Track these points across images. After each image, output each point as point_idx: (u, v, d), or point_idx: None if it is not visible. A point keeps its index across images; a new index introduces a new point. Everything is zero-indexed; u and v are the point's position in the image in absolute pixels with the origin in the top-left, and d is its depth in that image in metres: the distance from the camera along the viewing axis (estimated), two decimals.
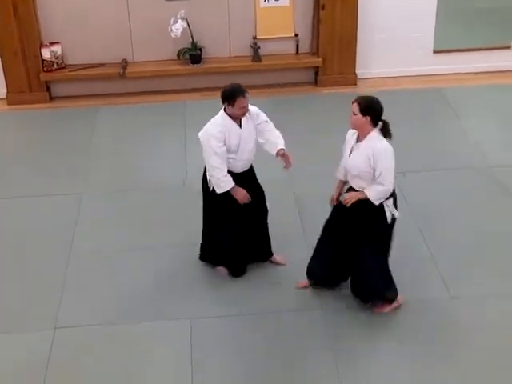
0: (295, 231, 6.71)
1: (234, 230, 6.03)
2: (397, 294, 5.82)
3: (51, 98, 9.30)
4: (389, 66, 9.43)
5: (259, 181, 6.10)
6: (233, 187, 5.77)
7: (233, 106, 5.63)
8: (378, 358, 5.42)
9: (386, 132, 5.44)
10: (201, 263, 6.31)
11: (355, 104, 5.38)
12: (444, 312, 5.80)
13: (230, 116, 5.71)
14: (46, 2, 8.89)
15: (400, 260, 6.30)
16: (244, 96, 5.62)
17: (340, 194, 5.74)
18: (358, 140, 5.51)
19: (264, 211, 6.16)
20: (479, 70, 9.55)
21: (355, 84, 9.40)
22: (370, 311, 5.80)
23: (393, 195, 5.54)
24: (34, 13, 8.83)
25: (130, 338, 5.64)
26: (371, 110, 5.36)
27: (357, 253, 5.68)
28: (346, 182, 5.75)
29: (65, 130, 8.58)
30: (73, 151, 8.13)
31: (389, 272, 5.77)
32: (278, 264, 6.34)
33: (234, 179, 5.78)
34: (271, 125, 5.95)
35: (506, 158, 7.74)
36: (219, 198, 5.88)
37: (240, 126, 5.76)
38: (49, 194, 7.38)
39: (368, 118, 5.35)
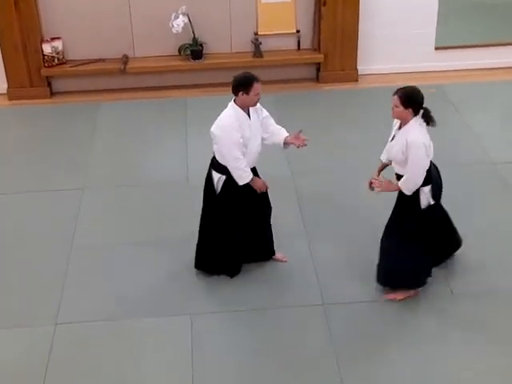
0: (296, 227, 6.70)
1: (240, 231, 6.00)
2: (419, 287, 5.84)
3: (52, 94, 9.29)
4: (390, 62, 9.41)
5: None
6: (253, 177, 5.78)
7: (248, 93, 5.56)
8: (380, 355, 5.41)
9: (428, 119, 5.51)
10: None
11: (396, 97, 5.45)
12: (446, 309, 5.79)
13: (240, 107, 5.65)
14: None
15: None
16: (258, 81, 5.59)
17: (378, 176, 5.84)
18: (400, 127, 5.59)
19: (268, 207, 6.13)
20: (481, 67, 9.53)
21: (357, 80, 9.39)
22: (371, 307, 5.79)
23: (431, 183, 5.56)
24: (35, 8, 8.81)
25: (131, 334, 5.64)
26: (413, 101, 5.44)
27: (386, 236, 5.76)
28: (387, 165, 5.86)
29: (65, 126, 8.57)
30: (73, 147, 8.13)
31: (418, 261, 5.73)
32: (279, 261, 6.32)
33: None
34: (272, 120, 5.94)
35: (508, 154, 7.73)
36: (227, 200, 5.84)
37: (249, 117, 5.72)
38: (49, 190, 7.38)
39: (410, 109, 5.43)
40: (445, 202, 6.94)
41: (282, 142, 5.91)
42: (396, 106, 5.45)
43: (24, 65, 9.02)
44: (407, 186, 5.51)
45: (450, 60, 9.51)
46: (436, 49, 9.49)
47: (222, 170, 5.78)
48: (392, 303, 5.83)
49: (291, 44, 9.34)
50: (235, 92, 5.61)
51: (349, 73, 9.36)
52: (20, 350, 5.52)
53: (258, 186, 5.83)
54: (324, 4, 8.94)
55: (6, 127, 8.67)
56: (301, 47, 9.34)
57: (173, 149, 8.02)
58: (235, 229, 5.98)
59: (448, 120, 8.41)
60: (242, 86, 5.57)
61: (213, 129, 5.67)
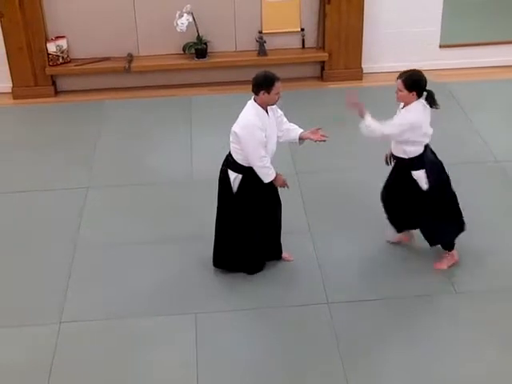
0: (300, 226, 6.70)
1: (258, 229, 6.00)
2: (451, 243, 6.10)
3: (56, 92, 9.29)
4: (395, 60, 9.38)
5: None
6: (276, 174, 5.82)
7: (269, 92, 5.55)
8: (384, 354, 5.41)
9: (431, 101, 5.70)
10: (207, 257, 6.26)
11: (400, 81, 5.65)
12: (449, 308, 5.78)
13: (261, 106, 5.64)
14: None
15: (403, 255, 6.31)
16: (279, 80, 5.60)
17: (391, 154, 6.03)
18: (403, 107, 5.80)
19: (280, 204, 6.13)
20: (486, 65, 9.51)
21: (361, 79, 9.38)
22: (376, 306, 5.79)
23: (424, 167, 5.76)
24: (40, 7, 8.81)
25: (136, 332, 5.64)
26: (417, 85, 5.65)
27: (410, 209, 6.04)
28: None
29: (70, 124, 8.58)
30: (78, 145, 8.13)
31: (442, 223, 5.96)
32: (286, 260, 6.32)
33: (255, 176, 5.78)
34: (285, 118, 5.98)
35: None
36: (245, 198, 5.84)
37: (267, 115, 5.73)
38: (54, 189, 7.39)
39: (414, 93, 5.64)
40: None
41: (298, 138, 5.93)
42: (400, 90, 5.65)
43: (29, 64, 9.03)
44: (365, 128, 5.80)
45: (455, 58, 9.49)
46: (441, 47, 9.47)
47: (239, 169, 5.77)
48: (397, 301, 5.83)
49: (296, 42, 9.33)
50: (256, 91, 5.59)
51: (353, 71, 9.35)
52: (24, 348, 5.53)
53: (279, 183, 5.87)
54: (328, 2, 8.93)
55: (10, 126, 8.68)
56: (305, 46, 9.33)
57: (177, 147, 8.02)
58: (254, 226, 5.97)
59: (452, 118, 8.41)
60: (265, 85, 5.56)
61: (236, 129, 5.63)
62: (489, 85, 9.13)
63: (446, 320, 5.67)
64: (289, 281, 6.08)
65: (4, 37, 8.85)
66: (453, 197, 6.06)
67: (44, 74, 9.10)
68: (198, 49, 9.07)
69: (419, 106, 5.69)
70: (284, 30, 9.22)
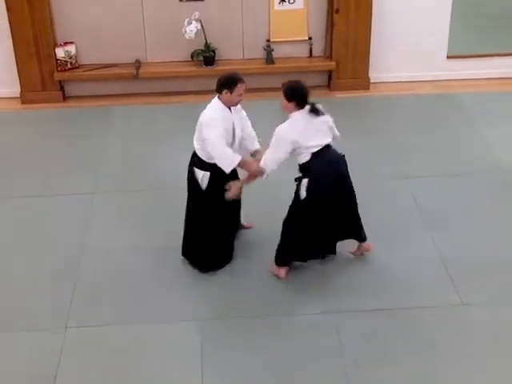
0: None
1: (225, 224, 6.24)
2: (286, 261, 6.14)
3: (64, 98, 9.33)
4: (402, 70, 9.41)
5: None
6: (241, 159, 5.93)
7: (231, 92, 5.80)
8: (389, 364, 5.39)
9: (315, 111, 5.81)
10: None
11: (283, 90, 5.75)
12: (456, 318, 5.77)
13: (224, 103, 5.88)
14: (61, 2, 8.93)
15: (410, 265, 6.31)
16: (243, 82, 5.82)
17: None
18: None
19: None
20: (493, 76, 9.52)
21: (368, 88, 9.39)
22: (382, 315, 5.79)
23: (308, 176, 5.79)
24: (49, 12, 8.86)
25: (141, 338, 5.64)
26: (295, 94, 5.73)
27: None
28: None
29: (78, 130, 8.60)
30: (85, 151, 8.15)
31: (297, 239, 6.01)
32: (246, 228, 6.64)
33: (222, 176, 5.96)
34: (249, 122, 6.21)
35: None
36: (213, 194, 6.02)
37: (231, 113, 5.95)
38: (61, 194, 7.40)
39: (293, 102, 5.72)
40: (457, 210, 6.94)
41: (250, 153, 6.23)
42: (282, 99, 5.75)
43: (37, 69, 9.07)
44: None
45: (462, 69, 9.50)
46: (448, 57, 9.48)
47: (206, 166, 5.99)
48: (402, 312, 5.83)
49: (303, 51, 9.35)
50: (220, 90, 5.84)
51: (361, 81, 9.37)
52: (30, 353, 5.53)
53: (233, 190, 5.98)
54: (337, 11, 8.96)
55: (18, 131, 8.71)
56: (313, 54, 9.35)
57: (184, 154, 7.98)
58: (223, 220, 6.19)
59: (460, 129, 8.41)
60: (227, 84, 5.82)
61: (203, 119, 5.88)
62: (496, 96, 9.14)
63: (452, 331, 5.65)
64: (296, 291, 6.08)
65: (13, 42, 8.90)
66: (332, 219, 6.01)
67: (52, 80, 9.14)
68: (206, 56, 9.10)
69: (298, 117, 5.75)
70: (292, 39, 9.24)
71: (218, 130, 5.80)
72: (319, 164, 5.78)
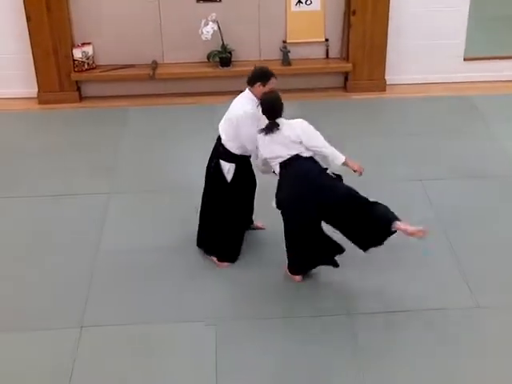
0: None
1: (241, 213, 6.35)
2: (298, 271, 6.13)
3: (81, 98, 9.37)
4: (419, 72, 9.39)
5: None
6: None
7: (264, 85, 5.84)
8: (405, 367, 5.38)
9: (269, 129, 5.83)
10: (227, 264, 6.36)
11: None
12: (471, 322, 5.75)
13: (255, 97, 5.91)
14: (78, 3, 8.97)
15: (425, 268, 6.29)
16: (276, 78, 5.90)
17: None
18: None
19: (255, 185, 6.43)
20: (510, 79, 9.48)
21: (384, 90, 9.38)
22: (395, 318, 5.78)
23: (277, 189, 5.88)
24: (67, 13, 8.91)
25: (156, 338, 5.66)
26: (265, 110, 5.81)
27: None
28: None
29: (94, 130, 8.64)
30: (101, 151, 8.19)
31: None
32: (259, 229, 6.66)
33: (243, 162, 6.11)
34: None
35: None
36: (237, 185, 6.13)
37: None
38: (76, 194, 7.43)
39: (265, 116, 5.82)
40: (472, 212, 6.92)
41: None
42: None
43: (54, 69, 9.12)
44: None
45: (479, 71, 9.46)
46: (465, 59, 9.45)
47: (233, 158, 6.04)
48: (418, 313, 5.81)
49: (320, 52, 9.35)
50: (253, 82, 5.88)
51: (377, 82, 9.35)
52: (45, 352, 5.56)
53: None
54: (353, 13, 8.95)
55: (35, 131, 8.75)
56: (329, 56, 9.35)
57: (200, 155, 8.00)
58: (241, 211, 6.33)
59: (476, 131, 8.38)
60: (262, 77, 5.87)
61: (236, 115, 5.93)
62: None
63: (467, 334, 5.63)
64: (310, 292, 6.08)
65: (31, 42, 8.95)
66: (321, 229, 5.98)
67: (69, 80, 9.18)
68: (223, 57, 9.12)
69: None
70: (308, 40, 9.25)
71: (254, 127, 5.86)
72: (296, 180, 5.77)
